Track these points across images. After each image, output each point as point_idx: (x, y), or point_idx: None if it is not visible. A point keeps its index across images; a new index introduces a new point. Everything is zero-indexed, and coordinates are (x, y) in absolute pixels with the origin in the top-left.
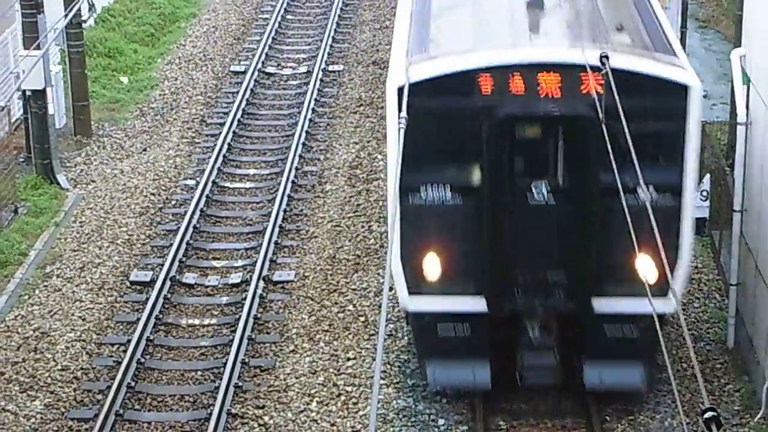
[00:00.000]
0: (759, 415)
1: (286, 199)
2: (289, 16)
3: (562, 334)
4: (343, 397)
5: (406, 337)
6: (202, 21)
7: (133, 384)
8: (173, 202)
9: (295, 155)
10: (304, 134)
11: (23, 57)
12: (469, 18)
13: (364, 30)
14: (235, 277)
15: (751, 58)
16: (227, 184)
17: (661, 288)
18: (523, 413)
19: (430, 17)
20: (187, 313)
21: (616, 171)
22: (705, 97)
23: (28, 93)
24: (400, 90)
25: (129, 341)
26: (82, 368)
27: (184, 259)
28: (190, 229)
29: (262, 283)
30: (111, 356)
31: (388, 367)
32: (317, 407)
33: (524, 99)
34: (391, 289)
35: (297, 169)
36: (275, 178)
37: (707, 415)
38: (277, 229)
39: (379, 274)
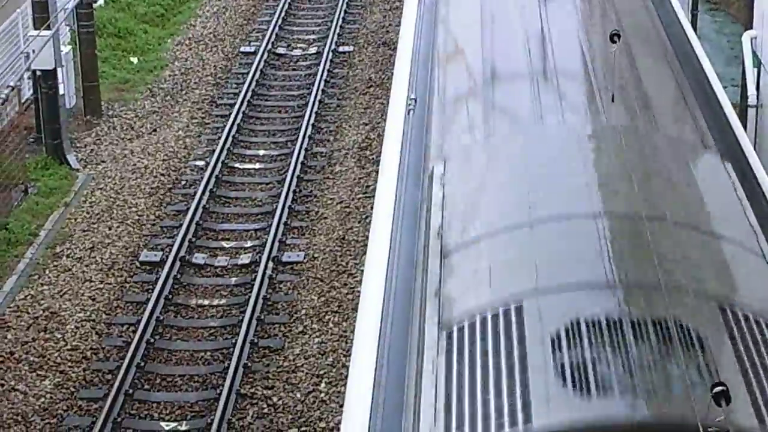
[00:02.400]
0: None
1: (295, 180)
2: None
3: None
4: None
5: None
6: (213, 1)
7: (142, 364)
8: (183, 183)
9: (304, 136)
10: (313, 115)
11: (33, 37)
12: None
13: (374, 11)
14: (245, 258)
15: (762, 41)
16: (237, 165)
17: None
18: None
19: None
20: (197, 293)
21: None
22: None
23: (38, 73)
24: None
25: (139, 321)
26: (91, 348)
27: (193, 239)
28: (200, 210)
29: (271, 264)
30: (121, 336)
31: None
32: (326, 388)
33: None
34: None
35: (307, 150)
36: (285, 159)
37: (716, 389)
38: (286, 210)
39: None
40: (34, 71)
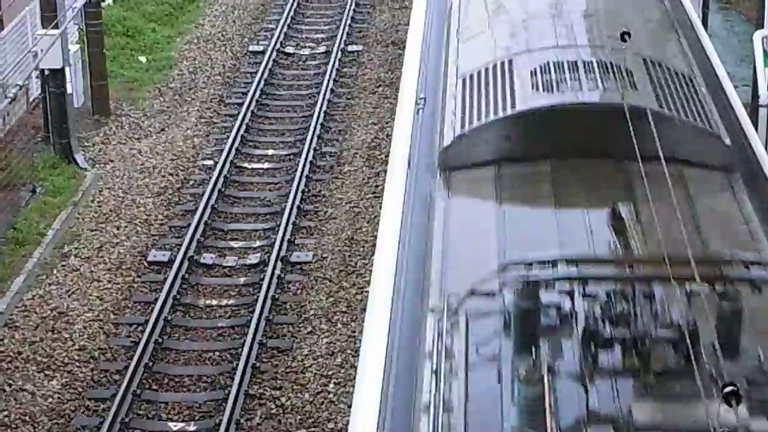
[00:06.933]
0: None
1: (304, 179)
2: None
3: None
4: None
5: None
6: (221, 0)
7: (150, 364)
8: (191, 183)
9: (313, 136)
10: (322, 115)
11: (41, 36)
12: None
13: (384, 10)
14: (253, 258)
15: None
16: (245, 165)
17: None
18: None
19: None
20: (205, 293)
21: None
22: None
23: (46, 72)
24: None
25: (147, 321)
26: (99, 348)
27: (202, 239)
28: (208, 210)
29: (280, 264)
30: (129, 336)
31: None
32: (335, 389)
33: None
34: None
35: (315, 149)
36: (293, 159)
37: (727, 389)
38: (295, 210)
39: None
40: (42, 70)
